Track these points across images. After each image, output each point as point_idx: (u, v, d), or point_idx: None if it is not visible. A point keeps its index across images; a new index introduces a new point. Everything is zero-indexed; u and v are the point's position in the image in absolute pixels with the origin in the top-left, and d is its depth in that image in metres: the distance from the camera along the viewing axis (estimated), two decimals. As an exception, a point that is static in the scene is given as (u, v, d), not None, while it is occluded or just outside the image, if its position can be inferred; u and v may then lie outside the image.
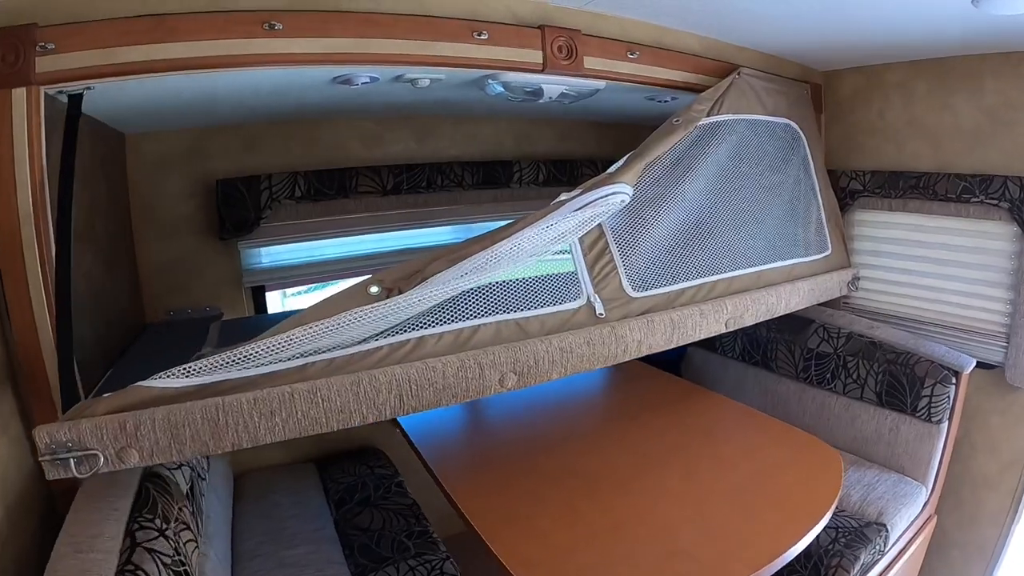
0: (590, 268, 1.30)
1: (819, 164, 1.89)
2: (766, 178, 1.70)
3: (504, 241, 1.13)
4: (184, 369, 0.91)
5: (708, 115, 1.55)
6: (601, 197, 1.22)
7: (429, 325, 1.07)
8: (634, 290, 1.34)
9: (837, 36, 1.74)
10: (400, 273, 1.07)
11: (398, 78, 1.34)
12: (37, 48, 0.94)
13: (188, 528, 1.09)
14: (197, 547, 1.11)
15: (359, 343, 1.02)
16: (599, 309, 1.27)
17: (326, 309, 0.98)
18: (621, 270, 1.33)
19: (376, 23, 1.14)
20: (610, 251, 1.34)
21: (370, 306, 0.99)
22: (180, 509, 1.10)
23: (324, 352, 0.99)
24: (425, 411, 1.03)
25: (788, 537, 1.13)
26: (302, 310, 0.99)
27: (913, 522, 1.68)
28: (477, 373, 1.04)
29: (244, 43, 1.06)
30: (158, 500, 1.03)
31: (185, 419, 0.87)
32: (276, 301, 2.03)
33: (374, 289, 1.04)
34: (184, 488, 1.20)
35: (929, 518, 1.77)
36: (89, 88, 1.04)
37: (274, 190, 1.76)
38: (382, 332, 1.04)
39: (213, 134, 1.79)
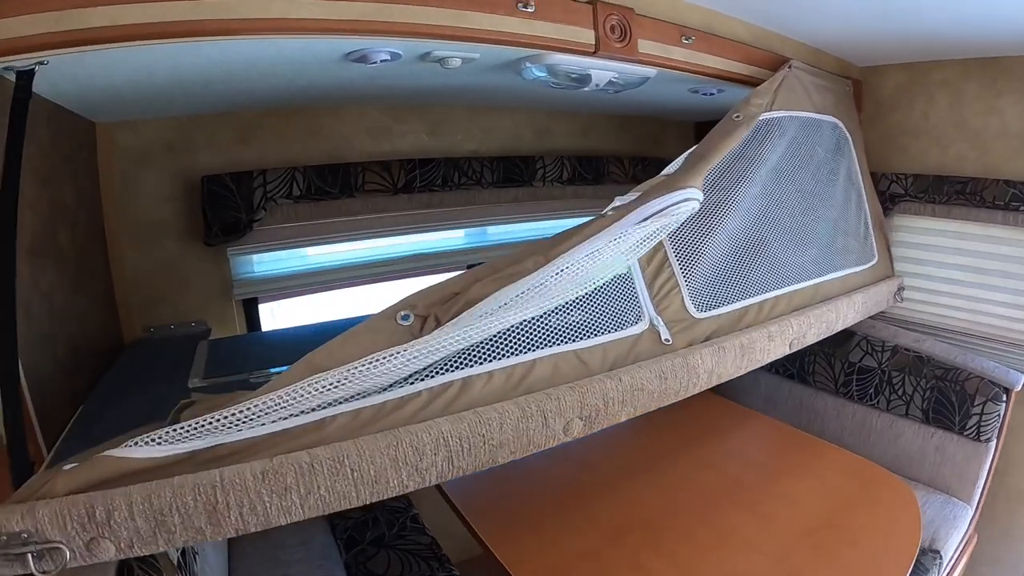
0: (649, 285, 1.14)
1: (864, 166, 1.77)
2: (818, 182, 1.57)
3: (563, 257, 0.95)
4: (168, 433, 0.70)
5: (765, 111, 1.40)
6: (673, 205, 1.05)
7: (475, 362, 0.88)
8: (697, 310, 1.18)
9: (884, 30, 1.61)
10: (435, 297, 0.88)
11: (424, 56, 1.13)
12: None
13: (184, 606, 0.90)
14: (192, 625, 0.92)
15: (389, 388, 0.82)
16: (664, 334, 1.11)
17: (350, 349, 0.78)
18: (683, 287, 1.17)
19: (403, -14, 0.93)
20: (670, 265, 1.17)
21: (407, 346, 0.79)
22: None
23: (348, 401, 0.79)
24: (474, 472, 0.84)
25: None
26: (313, 350, 0.78)
27: (960, 544, 1.61)
28: (540, 423, 0.86)
29: (238, 5, 0.83)
30: None
31: (172, 502, 0.66)
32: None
33: (405, 317, 0.85)
34: (175, 557, 1.00)
35: (971, 538, 1.70)
36: (42, 63, 0.83)
37: (269, 188, 1.52)
38: (417, 373, 0.85)
39: (200, 123, 1.54)
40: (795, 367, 1.94)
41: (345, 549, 1.50)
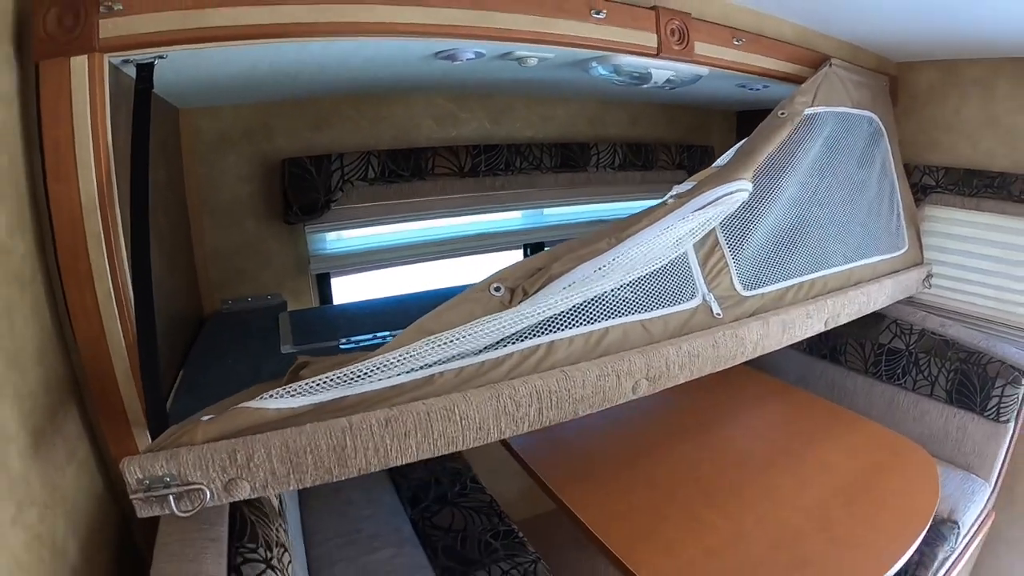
0: (702, 265, 1.26)
1: (898, 159, 1.86)
2: (854, 173, 1.67)
3: (632, 238, 1.08)
4: (299, 387, 0.80)
5: (808, 108, 1.49)
6: (726, 195, 1.16)
7: (558, 328, 1.01)
8: (744, 289, 1.30)
9: (921, 28, 1.68)
10: (521, 272, 1.01)
11: (504, 56, 1.25)
12: (100, 8, 0.81)
13: (287, 550, 0.99)
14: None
15: (485, 349, 0.95)
16: (716, 309, 1.23)
17: (453, 315, 0.91)
18: (732, 268, 1.29)
19: (493, -7, 1.04)
20: (720, 247, 1.29)
21: (502, 314, 0.92)
22: (278, 530, 1.00)
23: (452, 361, 0.91)
24: (557, 423, 0.97)
25: (903, 541, 1.14)
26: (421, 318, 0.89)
27: (978, 519, 1.72)
28: (615, 381, 0.99)
29: (347, 9, 0.95)
30: (257, 526, 0.92)
31: (307, 446, 0.75)
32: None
33: (496, 289, 0.98)
34: (276, 504, 1.11)
35: (988, 514, 1.81)
36: (161, 57, 0.91)
37: (346, 171, 1.65)
38: (509, 337, 0.97)
39: (276, 110, 1.67)
40: (827, 347, 2.05)
41: (410, 506, 1.64)
